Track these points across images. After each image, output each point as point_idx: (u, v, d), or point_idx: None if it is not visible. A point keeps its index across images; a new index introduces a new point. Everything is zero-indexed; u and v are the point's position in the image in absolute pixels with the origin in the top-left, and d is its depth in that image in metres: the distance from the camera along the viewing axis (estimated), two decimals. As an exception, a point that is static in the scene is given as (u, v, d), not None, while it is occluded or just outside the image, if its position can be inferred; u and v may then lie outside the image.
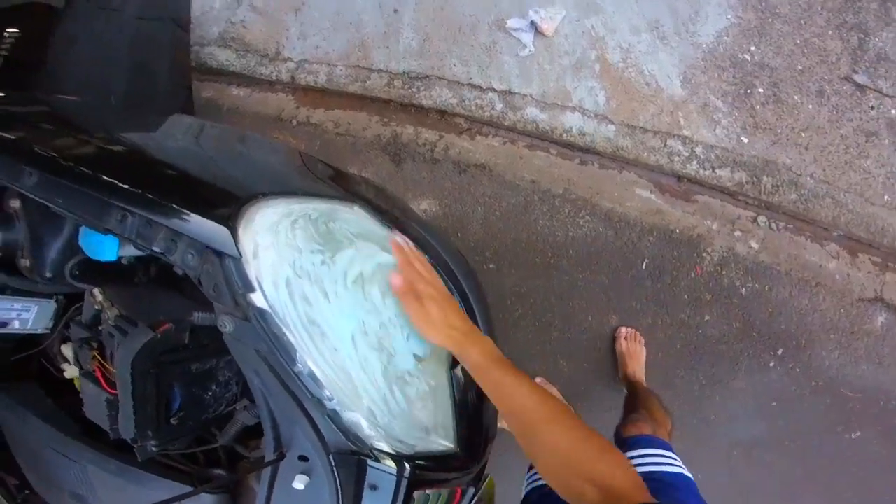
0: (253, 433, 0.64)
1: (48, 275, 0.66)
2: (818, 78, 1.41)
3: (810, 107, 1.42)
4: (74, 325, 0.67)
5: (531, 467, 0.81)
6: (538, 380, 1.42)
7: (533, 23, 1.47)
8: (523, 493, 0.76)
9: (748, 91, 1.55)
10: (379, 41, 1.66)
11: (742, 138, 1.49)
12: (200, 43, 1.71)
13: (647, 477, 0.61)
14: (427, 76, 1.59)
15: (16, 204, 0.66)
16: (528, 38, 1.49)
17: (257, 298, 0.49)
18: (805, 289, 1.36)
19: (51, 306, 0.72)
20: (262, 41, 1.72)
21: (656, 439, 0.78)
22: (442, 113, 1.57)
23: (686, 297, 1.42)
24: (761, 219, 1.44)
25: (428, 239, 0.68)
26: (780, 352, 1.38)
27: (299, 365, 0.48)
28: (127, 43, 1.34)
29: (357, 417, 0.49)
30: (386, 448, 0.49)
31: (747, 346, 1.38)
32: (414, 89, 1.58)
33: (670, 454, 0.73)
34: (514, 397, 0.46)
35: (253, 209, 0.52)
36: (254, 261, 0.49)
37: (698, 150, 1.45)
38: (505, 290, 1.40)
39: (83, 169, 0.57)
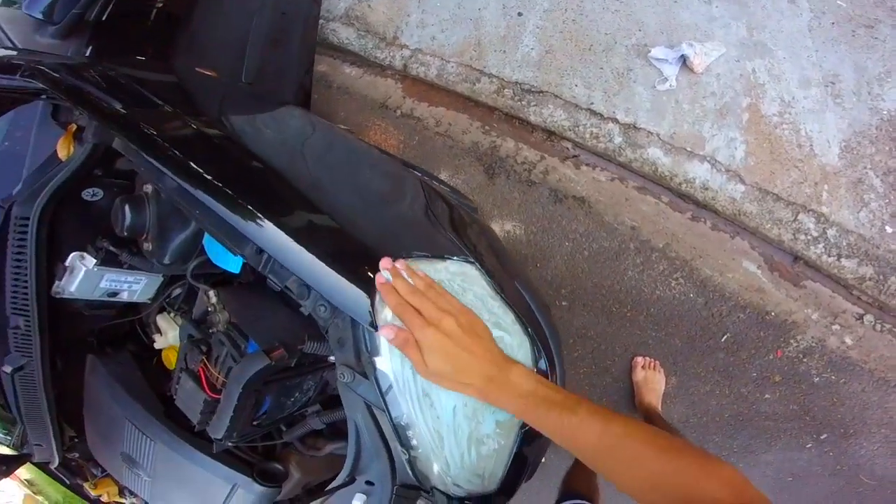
0: (313, 432, 0.64)
1: (167, 261, 0.64)
2: None
3: None
4: (185, 321, 0.65)
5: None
6: None
7: (683, 56, 1.20)
8: None
9: (917, 172, 1.21)
10: (496, 44, 1.45)
11: (886, 227, 1.20)
12: (326, 17, 1.61)
13: None
14: (541, 91, 1.39)
15: (148, 189, 0.63)
16: (671, 70, 1.23)
17: (382, 363, 0.48)
18: (881, 387, 1.19)
19: (158, 280, 0.69)
20: (382, 24, 1.58)
21: None
22: (549, 133, 1.39)
23: (755, 374, 1.27)
24: (868, 318, 1.21)
25: (527, 300, 0.63)
26: (823, 436, 1.24)
27: (402, 422, 0.49)
28: (268, 11, 1.27)
29: (432, 465, 0.50)
30: (443, 489, 0.51)
31: (793, 427, 1.25)
32: (524, 102, 1.40)
33: None
34: (575, 432, 0.39)
35: None
36: None
37: (831, 232, 1.19)
38: (571, 329, 1.31)
39: (220, 188, 0.51)
